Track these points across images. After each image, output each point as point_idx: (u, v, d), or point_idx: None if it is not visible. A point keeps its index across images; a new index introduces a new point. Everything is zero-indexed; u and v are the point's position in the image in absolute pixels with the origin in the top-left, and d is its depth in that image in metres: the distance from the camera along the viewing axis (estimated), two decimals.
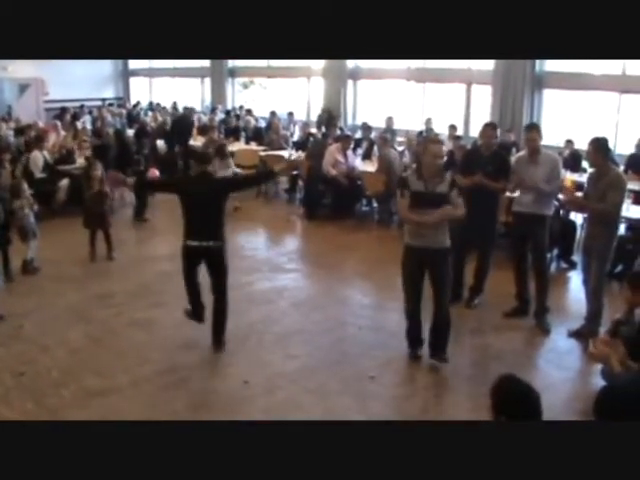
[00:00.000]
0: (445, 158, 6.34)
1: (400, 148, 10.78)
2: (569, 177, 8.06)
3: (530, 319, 5.89)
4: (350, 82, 15.50)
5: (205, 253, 5.13)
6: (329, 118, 14.25)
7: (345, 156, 9.72)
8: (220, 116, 15.30)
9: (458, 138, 10.55)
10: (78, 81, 18.48)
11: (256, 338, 5.57)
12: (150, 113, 16.48)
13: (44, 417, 4.25)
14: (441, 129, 12.06)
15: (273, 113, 14.35)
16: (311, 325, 5.85)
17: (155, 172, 8.98)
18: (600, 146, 5.27)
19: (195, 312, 5.39)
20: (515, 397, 2.64)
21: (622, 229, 7.17)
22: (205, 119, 14.67)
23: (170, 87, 20.43)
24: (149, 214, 9.44)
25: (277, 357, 5.24)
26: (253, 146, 12.23)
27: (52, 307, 6.16)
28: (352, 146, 10.40)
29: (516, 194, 5.97)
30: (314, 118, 15.38)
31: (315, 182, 9.85)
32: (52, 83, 18.31)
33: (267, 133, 12.72)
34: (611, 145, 5.92)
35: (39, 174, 9.14)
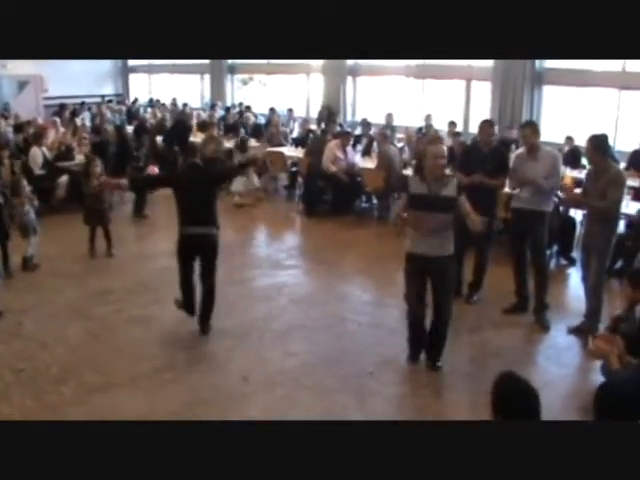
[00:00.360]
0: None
1: (400, 144, 10.79)
2: (569, 174, 8.05)
3: (529, 316, 5.89)
4: (349, 78, 15.46)
5: (200, 244, 5.34)
6: (329, 114, 14.25)
7: (345, 152, 9.72)
8: (220, 113, 15.28)
9: (458, 134, 10.56)
10: (77, 78, 18.44)
11: (256, 335, 5.57)
12: (149, 110, 16.47)
13: (43, 413, 4.26)
14: (441, 125, 12.06)
15: (272, 110, 14.34)
16: (311, 322, 5.85)
17: (154, 169, 8.96)
18: (598, 143, 5.24)
19: (187, 306, 5.56)
20: (513, 396, 2.63)
21: (622, 226, 7.16)
22: (205, 115, 14.65)
23: (169, 84, 20.40)
24: (148, 210, 9.45)
25: (276, 354, 5.24)
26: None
27: (51, 304, 6.17)
28: (352, 142, 10.40)
29: (516, 191, 5.96)
30: (314, 115, 15.37)
31: (315, 179, 9.84)
32: (51, 80, 18.26)
33: (266, 129, 12.72)
34: (611, 142, 5.90)
35: (38, 171, 9.14)
